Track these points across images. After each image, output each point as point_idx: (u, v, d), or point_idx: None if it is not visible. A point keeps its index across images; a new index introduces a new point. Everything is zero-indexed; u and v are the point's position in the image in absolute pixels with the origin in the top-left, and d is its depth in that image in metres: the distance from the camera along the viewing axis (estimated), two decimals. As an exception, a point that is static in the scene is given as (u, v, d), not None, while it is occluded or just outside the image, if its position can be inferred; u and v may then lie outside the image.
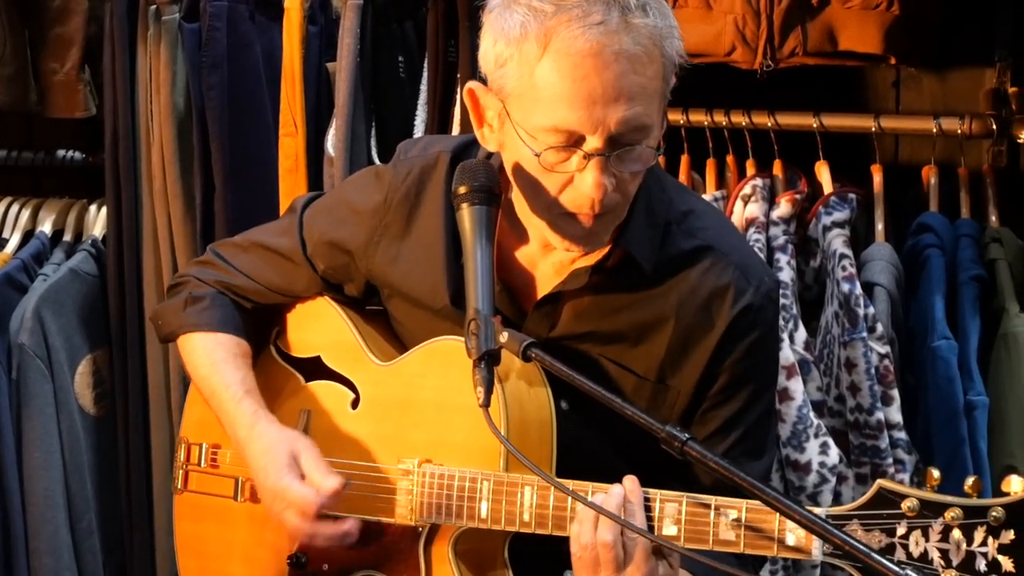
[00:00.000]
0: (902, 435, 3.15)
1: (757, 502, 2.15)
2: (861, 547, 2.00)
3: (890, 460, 3.14)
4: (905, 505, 2.06)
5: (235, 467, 2.67)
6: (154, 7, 3.73)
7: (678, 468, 2.25)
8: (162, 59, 3.73)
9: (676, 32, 2.27)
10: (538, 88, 2.22)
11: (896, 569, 1.96)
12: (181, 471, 2.78)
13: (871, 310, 3.16)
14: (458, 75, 3.51)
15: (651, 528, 2.23)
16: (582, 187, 2.25)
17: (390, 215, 2.56)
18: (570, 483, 2.28)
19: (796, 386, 3.16)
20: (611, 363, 2.46)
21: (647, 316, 2.44)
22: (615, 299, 2.44)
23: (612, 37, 2.18)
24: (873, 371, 3.14)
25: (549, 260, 2.47)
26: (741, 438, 2.47)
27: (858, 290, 3.17)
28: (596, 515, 2.22)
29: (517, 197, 2.38)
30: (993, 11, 3.32)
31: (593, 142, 2.22)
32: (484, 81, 2.33)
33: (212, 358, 2.67)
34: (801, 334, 3.23)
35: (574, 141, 2.23)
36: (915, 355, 3.23)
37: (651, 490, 2.25)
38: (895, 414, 3.15)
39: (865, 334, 3.14)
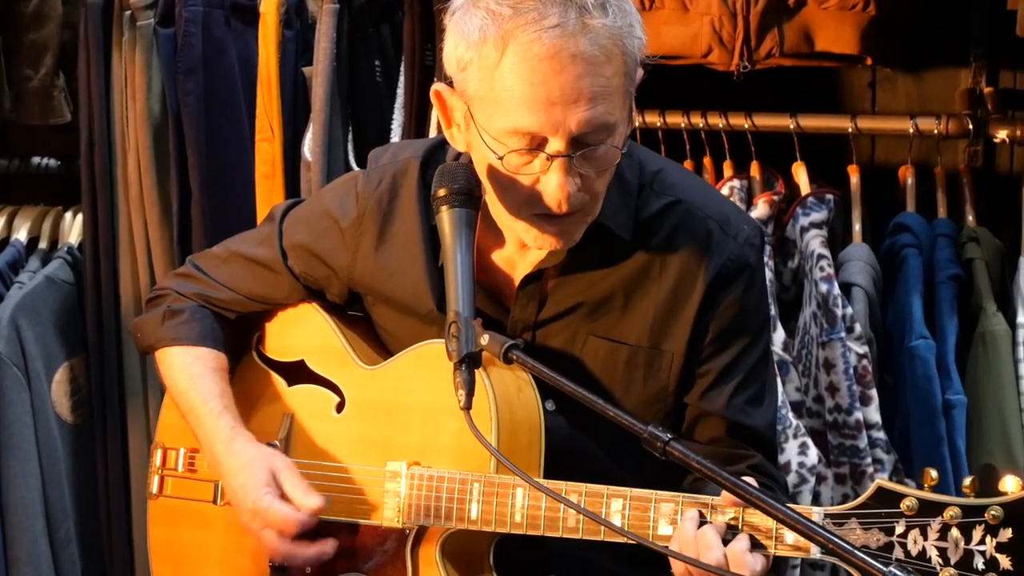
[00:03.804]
0: (881, 435, 3.16)
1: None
2: (846, 545, 2.01)
3: (869, 460, 3.15)
4: (904, 504, 2.07)
5: (213, 469, 2.66)
6: (129, 13, 3.71)
7: (668, 464, 2.25)
8: (137, 65, 3.71)
9: (638, 28, 2.28)
10: (497, 92, 2.23)
11: (879, 567, 1.97)
12: (156, 476, 2.76)
13: (849, 310, 3.17)
14: (435, 78, 3.51)
15: (755, 539, 2.22)
16: (547, 188, 2.26)
17: (365, 223, 2.56)
18: (562, 485, 2.29)
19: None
20: (602, 340, 2.47)
21: (631, 278, 2.45)
22: (599, 271, 2.45)
23: (568, 40, 2.19)
24: (851, 371, 3.15)
25: (527, 259, 2.48)
26: (741, 384, 2.47)
27: (836, 290, 3.18)
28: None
29: (490, 198, 2.39)
30: (968, 11, 3.34)
31: (555, 144, 2.23)
32: (450, 82, 2.34)
33: (190, 372, 2.65)
34: (779, 335, 3.24)
35: (537, 144, 2.24)
36: (893, 355, 3.24)
37: (646, 491, 2.26)
38: (873, 414, 3.16)
39: (843, 334, 3.15)
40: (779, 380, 3.18)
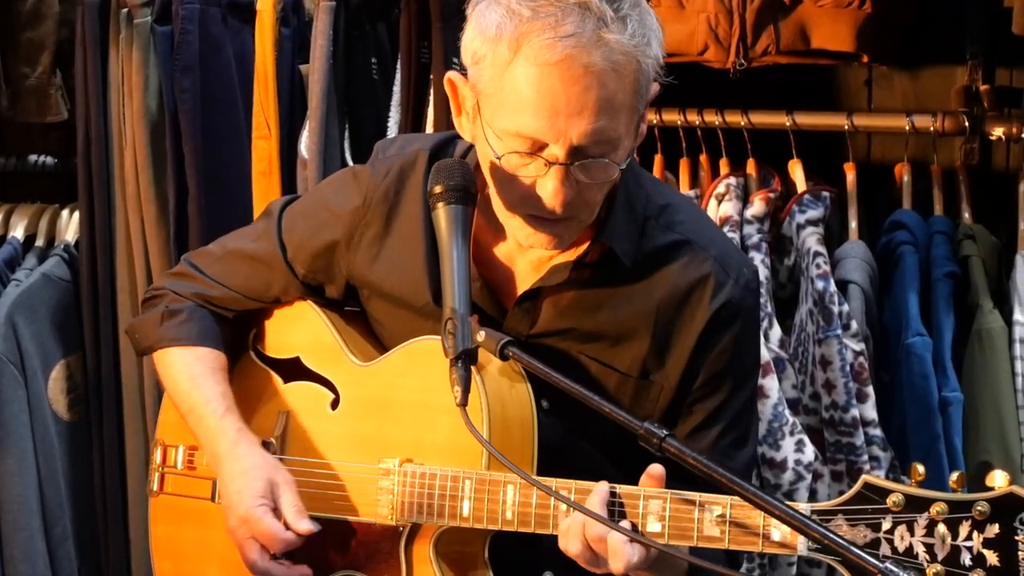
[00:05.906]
0: (877, 432, 3.16)
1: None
2: (842, 541, 2.01)
3: (865, 457, 3.15)
4: (890, 500, 2.06)
5: (213, 469, 2.66)
6: (126, 10, 3.71)
7: (663, 462, 2.25)
8: (134, 62, 3.71)
9: (655, 44, 2.27)
10: (506, 92, 2.23)
11: (876, 563, 1.97)
12: (157, 473, 2.76)
13: (846, 307, 3.17)
14: (431, 76, 3.52)
15: (635, 526, 2.24)
16: (543, 192, 2.27)
17: (370, 214, 2.56)
18: (552, 482, 2.28)
19: (771, 384, 3.17)
20: (592, 361, 2.46)
21: (627, 313, 2.44)
22: (595, 295, 2.45)
23: (581, 51, 2.18)
24: (848, 368, 3.15)
25: (527, 256, 2.47)
26: (727, 428, 2.48)
27: (832, 288, 3.18)
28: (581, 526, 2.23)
29: (491, 191, 2.39)
30: (964, 9, 3.34)
31: (554, 151, 2.23)
32: (464, 71, 2.34)
33: (191, 372, 2.64)
34: (776, 332, 3.24)
35: (537, 148, 2.24)
36: (890, 352, 3.24)
37: (635, 487, 2.25)
38: (870, 411, 3.16)
39: (840, 331, 3.15)
40: (776, 377, 3.18)
